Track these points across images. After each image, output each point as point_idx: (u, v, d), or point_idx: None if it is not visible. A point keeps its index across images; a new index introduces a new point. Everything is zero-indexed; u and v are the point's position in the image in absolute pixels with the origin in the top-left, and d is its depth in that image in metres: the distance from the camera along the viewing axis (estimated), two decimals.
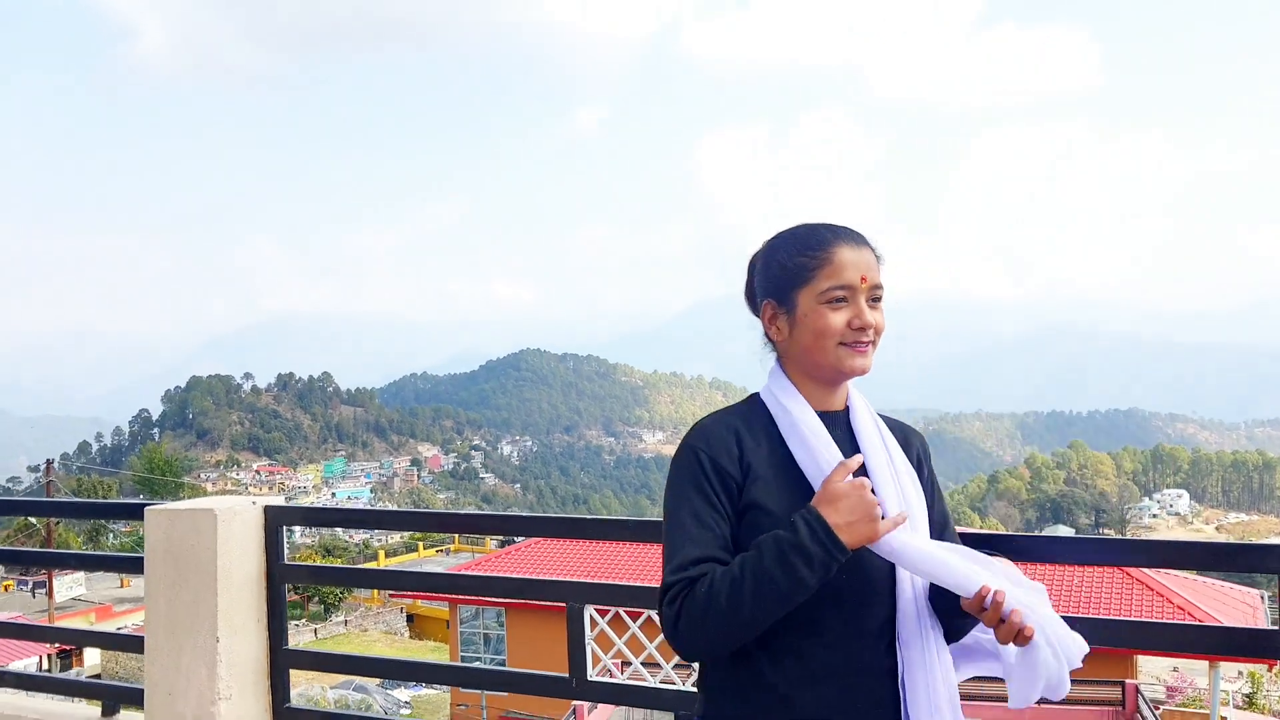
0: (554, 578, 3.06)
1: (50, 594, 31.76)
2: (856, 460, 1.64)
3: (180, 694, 3.24)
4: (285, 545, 3.37)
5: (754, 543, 1.61)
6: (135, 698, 3.49)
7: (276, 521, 3.35)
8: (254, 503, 3.38)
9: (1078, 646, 1.64)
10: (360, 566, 3.98)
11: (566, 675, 3.01)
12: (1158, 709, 16.03)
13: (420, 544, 64.25)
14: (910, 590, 1.67)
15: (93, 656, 32.24)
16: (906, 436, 1.84)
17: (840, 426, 1.76)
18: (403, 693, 31.84)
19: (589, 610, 3.00)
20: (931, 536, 1.73)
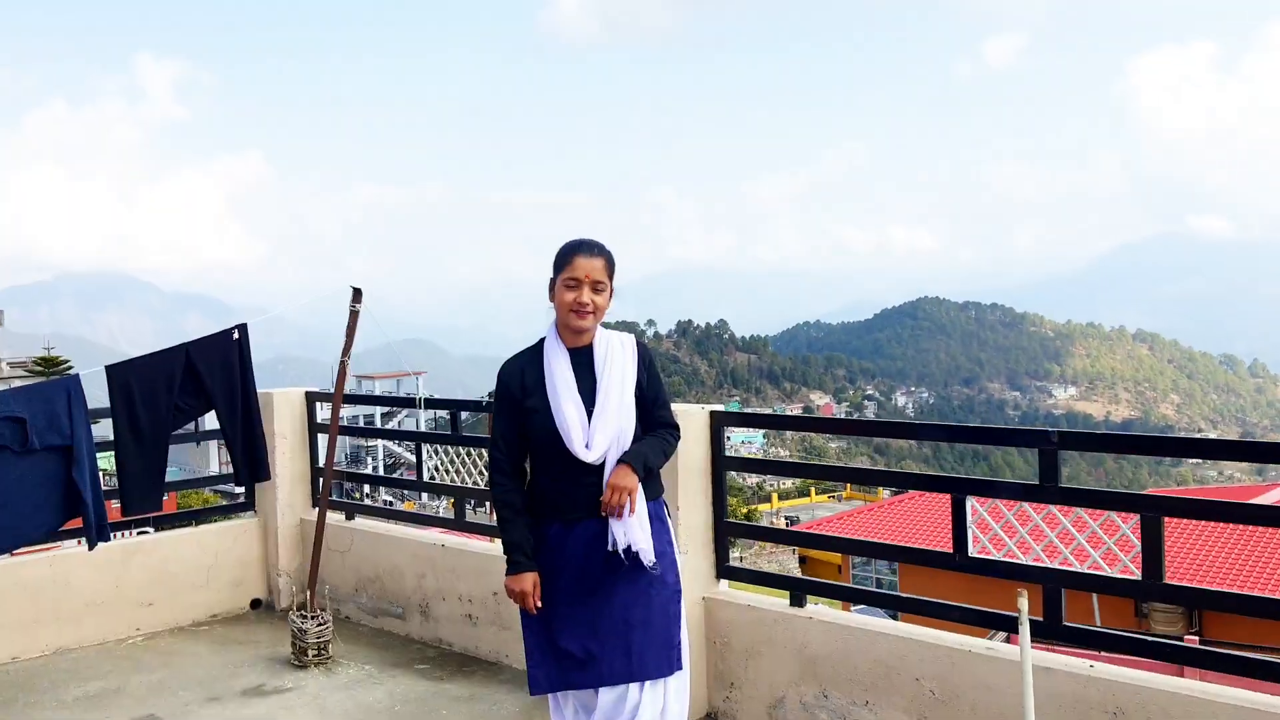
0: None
1: None
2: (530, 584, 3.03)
3: None
4: (726, 441, 4.33)
5: (508, 520, 3.06)
6: None
7: (720, 423, 4.32)
8: (703, 409, 4.37)
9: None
10: (796, 461, 4.82)
11: (951, 551, 3.70)
12: None
13: (812, 488, 65.71)
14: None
15: None
16: (641, 355, 3.10)
17: (585, 356, 3.05)
18: None
19: (970, 501, 3.66)
20: (648, 409, 3.09)
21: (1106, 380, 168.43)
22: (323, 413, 6.30)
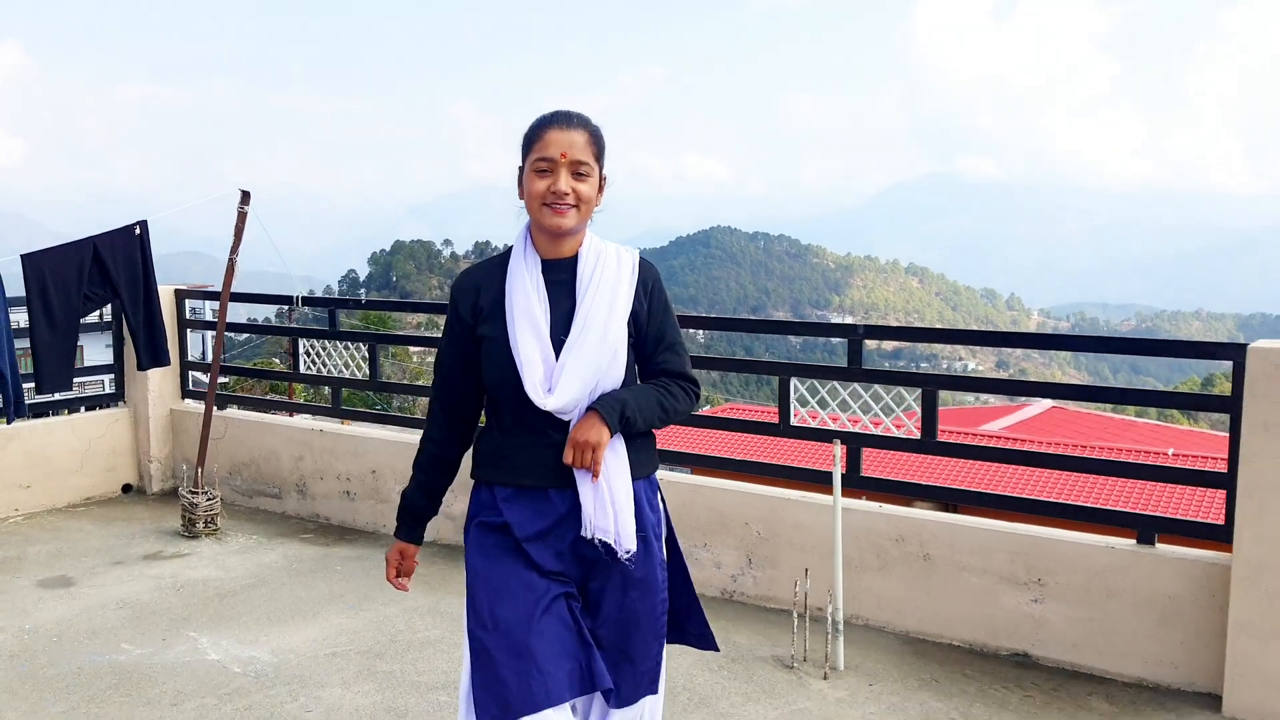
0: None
1: None
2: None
3: None
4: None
5: (410, 479, 2.46)
6: None
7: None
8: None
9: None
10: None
11: (777, 422, 4.65)
12: None
13: None
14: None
15: None
16: (642, 275, 2.34)
17: (565, 270, 2.29)
18: None
19: (794, 381, 4.60)
20: (648, 351, 2.35)
21: (880, 310, 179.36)
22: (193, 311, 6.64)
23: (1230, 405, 3.69)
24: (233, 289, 5.94)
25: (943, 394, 4.42)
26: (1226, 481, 3.72)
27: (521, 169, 2.28)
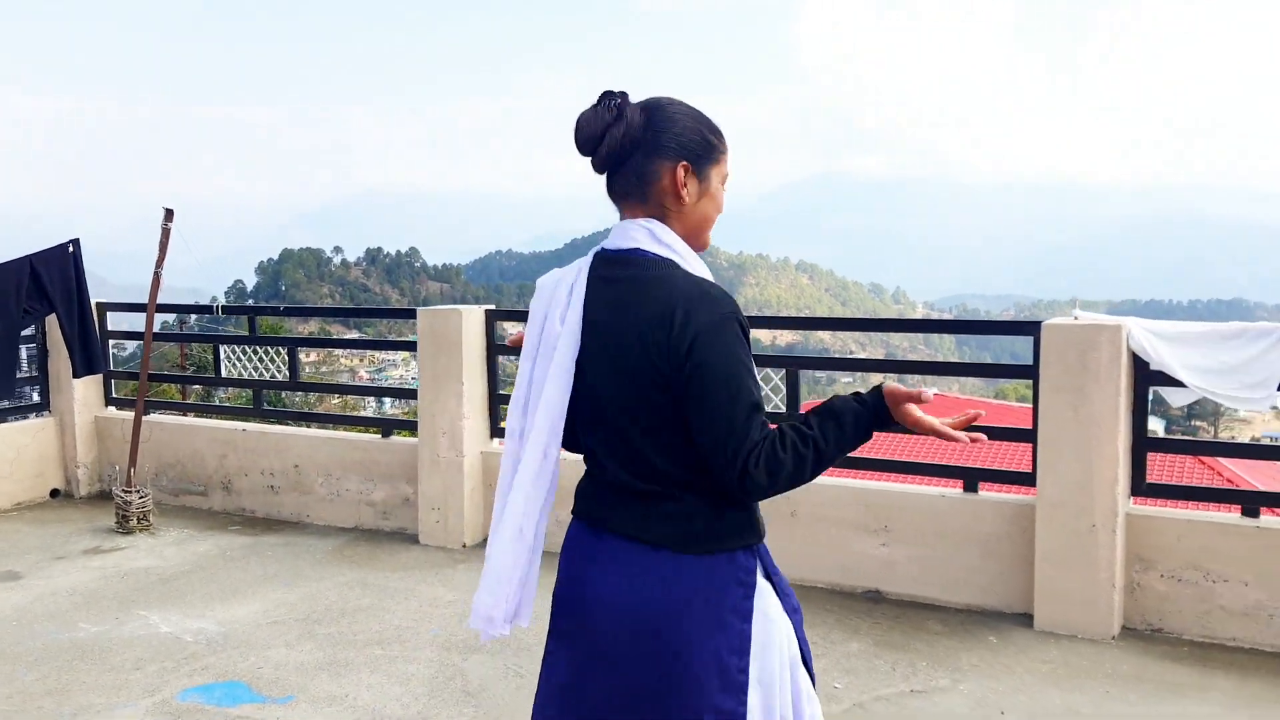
0: None
1: None
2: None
3: (440, 415, 5.61)
4: (496, 331, 5.69)
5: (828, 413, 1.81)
6: (410, 425, 5.88)
7: (492, 318, 5.66)
8: (480, 309, 5.69)
9: None
10: None
11: None
12: None
13: None
14: None
15: None
16: None
17: None
18: None
19: None
20: None
21: (773, 306, 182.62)
22: (114, 322, 6.99)
23: (1031, 373, 4.48)
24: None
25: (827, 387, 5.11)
26: (1031, 436, 4.51)
27: (693, 171, 1.88)
